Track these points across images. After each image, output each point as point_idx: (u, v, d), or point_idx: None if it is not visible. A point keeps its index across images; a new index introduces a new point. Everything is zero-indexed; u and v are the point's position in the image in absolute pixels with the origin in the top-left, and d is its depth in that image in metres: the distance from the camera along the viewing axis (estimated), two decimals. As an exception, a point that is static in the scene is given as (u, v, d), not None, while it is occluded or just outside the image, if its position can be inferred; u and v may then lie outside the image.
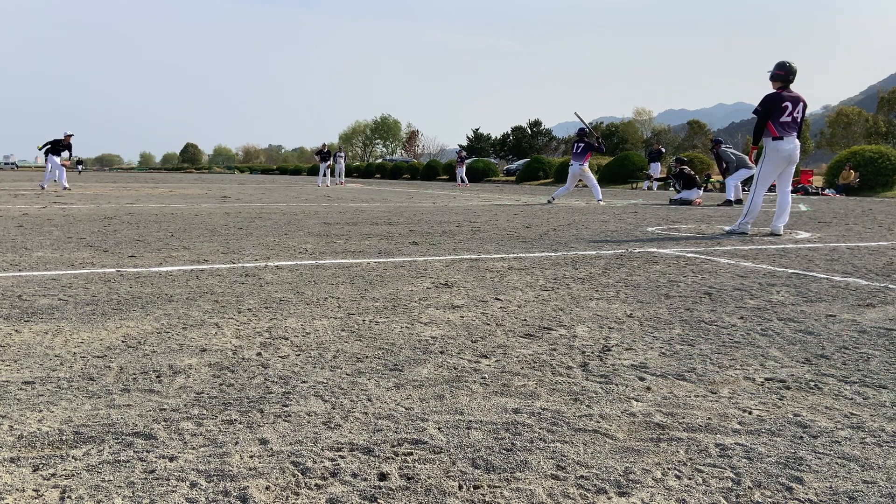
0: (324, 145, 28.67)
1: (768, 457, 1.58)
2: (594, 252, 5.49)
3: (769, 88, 7.40)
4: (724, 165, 15.30)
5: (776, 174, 7.30)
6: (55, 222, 7.65)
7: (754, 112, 7.25)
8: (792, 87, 7.20)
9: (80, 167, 58.38)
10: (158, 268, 4.32)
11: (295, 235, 6.55)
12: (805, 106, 7.15)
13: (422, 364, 2.28)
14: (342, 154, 31.02)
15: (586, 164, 14.19)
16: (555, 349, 2.49)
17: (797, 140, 7.12)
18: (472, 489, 1.41)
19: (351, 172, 53.48)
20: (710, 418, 1.82)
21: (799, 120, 7.12)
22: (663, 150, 28.43)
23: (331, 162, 28.23)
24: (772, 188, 8.30)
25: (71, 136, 19.23)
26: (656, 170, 25.74)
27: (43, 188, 18.11)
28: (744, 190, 14.57)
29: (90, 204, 11.51)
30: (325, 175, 27.68)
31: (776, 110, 6.99)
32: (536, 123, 66.42)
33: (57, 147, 19.12)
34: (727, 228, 7.70)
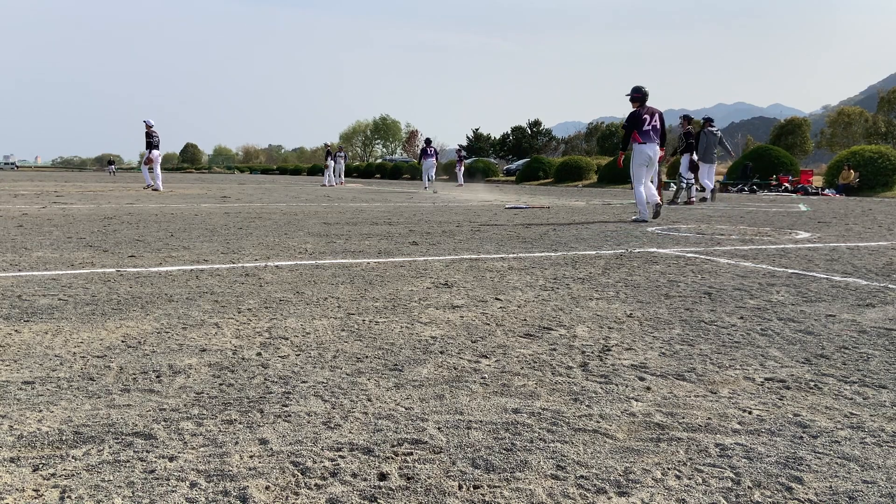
0: (327, 145, 29.24)
1: (768, 457, 1.58)
2: (594, 252, 5.49)
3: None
4: (699, 150, 14.93)
5: (644, 170, 9.13)
6: (55, 222, 7.65)
7: (623, 126, 9.24)
8: (648, 103, 9.15)
9: (112, 167, 57.66)
10: (158, 268, 4.32)
11: (295, 235, 6.55)
12: (661, 115, 9.10)
13: (422, 364, 2.28)
14: (342, 154, 31.04)
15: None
16: (555, 349, 2.49)
17: (657, 146, 9.05)
18: (472, 489, 1.41)
19: (351, 172, 53.50)
20: (710, 418, 1.82)
21: (658, 127, 9.04)
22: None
23: (328, 161, 28.58)
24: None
25: (146, 122, 17.74)
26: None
27: (153, 188, 17.61)
28: (686, 180, 14.54)
29: (90, 204, 11.51)
30: (337, 175, 28.90)
31: (639, 123, 8.97)
32: (536, 123, 66.39)
33: (148, 141, 17.68)
34: (632, 218, 9.22)
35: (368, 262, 4.71)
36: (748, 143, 51.74)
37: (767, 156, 26.16)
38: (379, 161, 64.19)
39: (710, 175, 15.27)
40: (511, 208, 11.86)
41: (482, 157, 56.05)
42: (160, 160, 18.33)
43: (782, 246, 6.15)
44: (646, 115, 8.95)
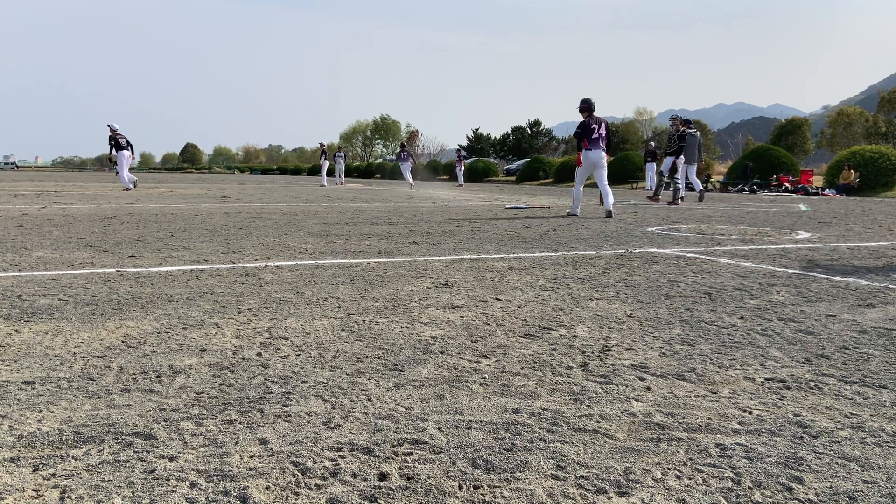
0: (321, 144, 29.28)
1: (768, 457, 1.58)
2: (594, 252, 5.49)
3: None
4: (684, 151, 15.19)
5: (588, 174, 10.58)
6: (55, 222, 7.65)
7: (574, 135, 10.45)
8: (595, 113, 10.37)
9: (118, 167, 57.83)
10: (158, 268, 4.32)
11: (295, 235, 6.55)
12: (607, 125, 10.36)
13: (422, 364, 2.28)
14: (342, 154, 31.02)
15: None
16: (555, 349, 2.49)
17: (602, 152, 10.22)
18: (472, 489, 1.41)
19: (351, 172, 53.49)
20: (710, 418, 1.82)
21: (604, 136, 10.23)
22: (658, 150, 28.49)
23: (321, 160, 28.69)
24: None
25: (109, 126, 18.28)
26: (651, 169, 25.77)
27: (125, 188, 17.91)
28: (671, 180, 14.72)
29: (90, 204, 11.51)
30: (337, 175, 29.33)
31: (588, 131, 10.18)
32: (536, 123, 66.33)
33: (115, 143, 18.19)
34: (566, 212, 10.55)
35: (368, 262, 4.71)
36: (748, 143, 51.71)
37: (767, 156, 26.16)
38: (379, 161, 64.18)
39: (693, 176, 15.61)
40: (511, 208, 11.87)
41: (482, 157, 56.01)
42: (128, 161, 18.67)
43: (782, 246, 6.15)
44: (594, 125, 10.22)
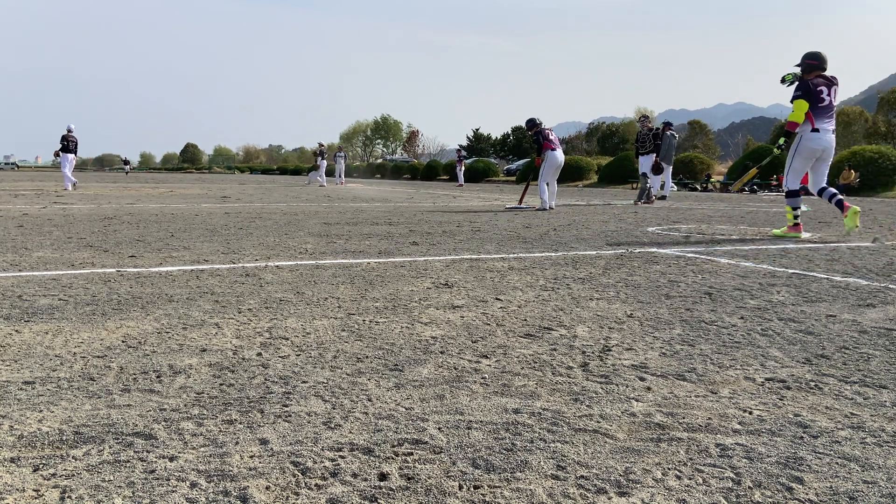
0: (320, 144, 29.28)
1: (768, 457, 1.58)
2: (594, 252, 5.49)
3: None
4: (661, 151, 15.67)
5: (551, 173, 12.04)
6: (55, 222, 7.65)
7: (534, 142, 12.22)
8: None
9: (127, 167, 57.68)
10: (158, 268, 4.32)
11: (295, 235, 6.55)
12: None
13: (422, 364, 2.28)
14: (342, 154, 31.03)
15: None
16: (555, 349, 2.49)
17: (561, 153, 12.14)
18: (472, 489, 1.41)
19: (351, 172, 53.48)
20: (710, 418, 1.82)
21: (558, 139, 12.12)
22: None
23: (318, 161, 28.74)
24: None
25: (69, 126, 18.73)
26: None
27: (65, 189, 17.93)
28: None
29: (90, 204, 11.52)
30: (337, 175, 29.80)
31: (547, 137, 11.94)
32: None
33: (65, 144, 18.59)
34: (536, 208, 11.81)
35: (369, 262, 4.71)
36: (748, 143, 51.71)
37: (768, 156, 26.18)
38: (379, 161, 64.21)
39: (668, 176, 16.34)
40: (511, 208, 11.87)
41: (482, 157, 55.98)
42: (73, 164, 18.87)
43: (782, 246, 6.15)
44: (548, 131, 12.19)
